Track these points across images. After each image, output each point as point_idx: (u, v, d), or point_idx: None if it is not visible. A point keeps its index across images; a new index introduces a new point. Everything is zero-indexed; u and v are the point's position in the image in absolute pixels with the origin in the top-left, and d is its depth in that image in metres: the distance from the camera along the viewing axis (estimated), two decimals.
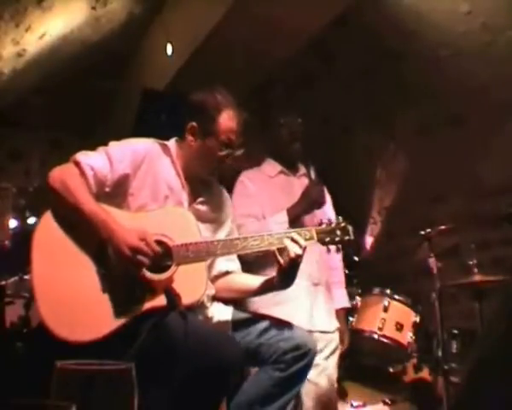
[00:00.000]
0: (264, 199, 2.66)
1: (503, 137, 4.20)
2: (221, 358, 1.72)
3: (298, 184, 2.76)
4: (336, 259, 2.81)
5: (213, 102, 2.07)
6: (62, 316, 1.72)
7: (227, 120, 2.06)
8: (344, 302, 2.87)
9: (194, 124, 2.08)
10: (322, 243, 2.01)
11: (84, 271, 1.78)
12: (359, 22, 4.15)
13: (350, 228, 2.05)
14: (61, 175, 1.87)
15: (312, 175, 2.64)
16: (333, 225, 2.03)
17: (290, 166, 2.81)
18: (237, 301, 2.17)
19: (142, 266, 1.76)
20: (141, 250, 1.76)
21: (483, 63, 3.99)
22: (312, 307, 2.60)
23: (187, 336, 1.63)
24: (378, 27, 4.16)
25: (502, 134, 4.20)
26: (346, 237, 2.03)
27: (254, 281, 2.10)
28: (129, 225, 1.82)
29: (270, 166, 2.80)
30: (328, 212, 2.76)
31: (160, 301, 1.75)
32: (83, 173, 1.88)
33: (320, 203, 2.59)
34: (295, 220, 2.52)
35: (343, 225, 2.04)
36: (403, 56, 4.30)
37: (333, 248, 2.03)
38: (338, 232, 2.02)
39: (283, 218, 2.52)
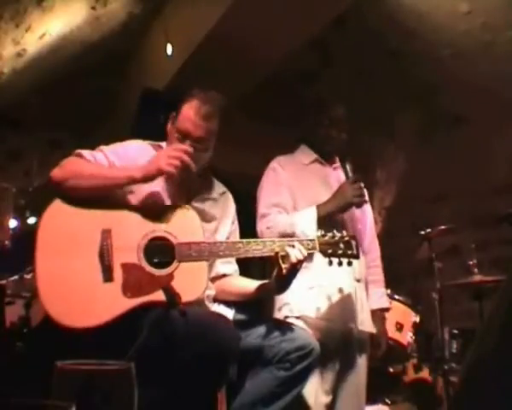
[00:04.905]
0: (297, 188, 2.48)
1: (503, 136, 4.20)
2: (219, 343, 1.71)
3: (334, 175, 2.56)
4: (376, 256, 2.67)
5: (189, 94, 2.05)
6: (64, 304, 1.73)
7: (187, 108, 2.00)
8: (383, 302, 2.65)
9: (173, 113, 2.08)
10: (325, 254, 1.99)
11: (86, 261, 1.79)
12: (359, 22, 4.15)
13: (354, 243, 2.02)
14: (69, 167, 1.90)
15: (349, 172, 2.40)
16: (336, 238, 2.01)
17: (326, 157, 2.59)
18: (237, 302, 2.16)
19: (181, 165, 1.83)
20: (171, 155, 1.84)
21: (483, 63, 4.00)
22: (357, 305, 2.43)
23: (187, 326, 1.64)
24: (378, 27, 4.16)
25: (502, 134, 4.21)
26: (349, 252, 2.01)
27: (250, 284, 2.10)
28: (135, 220, 1.85)
29: (305, 154, 2.59)
30: (367, 212, 2.63)
31: (160, 295, 1.76)
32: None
33: (359, 203, 2.36)
34: (327, 218, 2.31)
35: (347, 239, 2.02)
36: (403, 56, 4.30)
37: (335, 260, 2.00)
38: (341, 245, 2.01)
39: (312, 214, 2.30)
